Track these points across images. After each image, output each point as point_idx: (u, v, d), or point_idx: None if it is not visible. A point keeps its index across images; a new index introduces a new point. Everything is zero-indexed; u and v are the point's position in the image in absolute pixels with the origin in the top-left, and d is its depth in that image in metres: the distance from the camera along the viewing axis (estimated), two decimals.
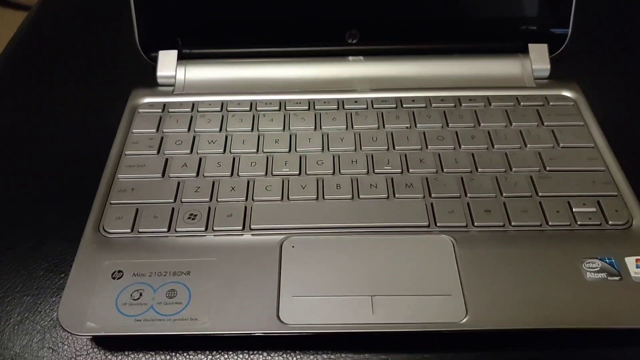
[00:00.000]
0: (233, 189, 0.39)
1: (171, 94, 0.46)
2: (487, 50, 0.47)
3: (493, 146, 0.41)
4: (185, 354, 0.33)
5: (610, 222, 0.36)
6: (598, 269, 0.34)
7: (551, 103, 0.44)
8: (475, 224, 0.36)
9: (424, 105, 0.44)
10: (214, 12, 0.47)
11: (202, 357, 0.33)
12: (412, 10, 0.47)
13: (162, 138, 0.42)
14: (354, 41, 0.47)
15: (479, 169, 0.40)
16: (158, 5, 0.46)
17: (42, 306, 0.36)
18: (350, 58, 0.47)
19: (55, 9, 0.61)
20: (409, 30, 0.47)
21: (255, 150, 0.41)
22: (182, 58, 0.47)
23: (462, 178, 0.39)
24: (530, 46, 0.47)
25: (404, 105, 0.44)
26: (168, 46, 0.47)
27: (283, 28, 0.47)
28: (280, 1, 0.46)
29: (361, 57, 0.47)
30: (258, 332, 0.32)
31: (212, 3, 0.46)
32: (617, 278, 0.33)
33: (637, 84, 0.50)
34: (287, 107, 0.44)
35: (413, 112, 0.44)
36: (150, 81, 0.47)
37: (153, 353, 0.33)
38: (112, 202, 0.38)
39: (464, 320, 0.32)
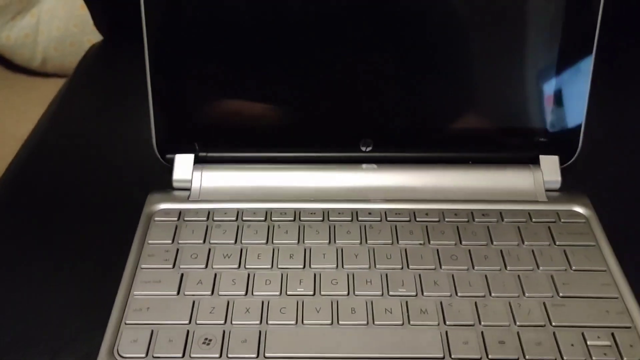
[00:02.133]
0: (247, 310, 0.39)
1: (187, 200, 0.46)
2: (499, 160, 0.48)
3: (506, 267, 0.41)
4: None
5: (625, 359, 0.36)
6: None
7: (562, 220, 0.45)
8: (490, 356, 0.36)
9: (437, 219, 0.45)
10: (231, 119, 0.48)
11: None
12: (425, 121, 0.48)
13: (177, 250, 0.43)
14: (368, 149, 0.48)
15: (492, 294, 0.40)
16: (176, 110, 0.47)
17: None
18: (364, 166, 0.48)
19: (74, 110, 0.63)
20: (421, 140, 0.48)
21: (269, 266, 0.41)
22: (198, 162, 0.48)
23: (475, 303, 0.39)
24: (542, 158, 0.48)
25: (418, 219, 0.45)
26: (185, 150, 0.48)
27: (299, 135, 0.48)
28: (296, 110, 0.48)
29: (374, 165, 0.48)
30: None
31: (230, 110, 0.47)
32: None
33: None
34: (301, 218, 0.45)
35: (426, 227, 0.44)
36: (165, 182, 0.48)
37: None
38: (127, 322, 0.38)
39: None
